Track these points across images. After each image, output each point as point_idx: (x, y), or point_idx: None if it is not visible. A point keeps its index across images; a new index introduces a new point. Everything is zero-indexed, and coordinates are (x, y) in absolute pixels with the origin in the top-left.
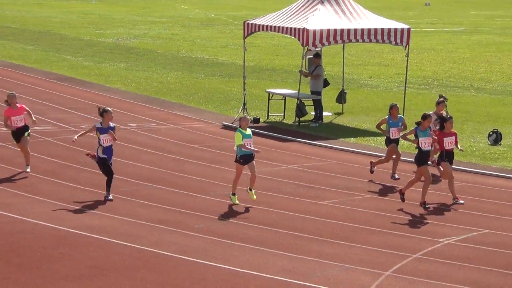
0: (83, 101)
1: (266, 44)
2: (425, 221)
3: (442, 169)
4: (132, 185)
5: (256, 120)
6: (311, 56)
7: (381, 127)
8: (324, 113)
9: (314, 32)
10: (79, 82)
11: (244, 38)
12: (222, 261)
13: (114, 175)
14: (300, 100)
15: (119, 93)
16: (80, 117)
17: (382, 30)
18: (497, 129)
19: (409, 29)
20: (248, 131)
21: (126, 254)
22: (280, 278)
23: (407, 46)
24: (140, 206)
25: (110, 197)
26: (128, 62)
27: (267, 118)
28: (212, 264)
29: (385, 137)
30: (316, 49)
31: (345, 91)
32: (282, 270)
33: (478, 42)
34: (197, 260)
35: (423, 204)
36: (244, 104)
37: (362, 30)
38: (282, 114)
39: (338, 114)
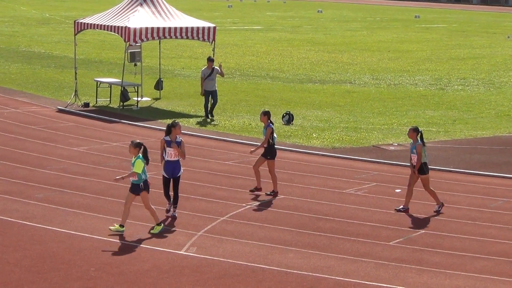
0: None
1: (94, 40)
2: (230, 189)
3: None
4: None
5: (86, 105)
6: (134, 50)
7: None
8: (144, 99)
9: (135, 30)
10: None
11: (75, 35)
12: (59, 225)
13: None
14: (124, 87)
15: None
16: None
17: (192, 28)
18: (289, 111)
19: (214, 28)
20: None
21: None
22: (112, 240)
23: (213, 41)
24: None
25: (175, 213)
26: None
27: (96, 103)
28: (50, 228)
29: None
30: (136, 44)
31: (162, 79)
32: (112, 232)
33: (272, 38)
34: (37, 225)
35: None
36: (75, 91)
37: (175, 28)
38: (109, 99)
39: (156, 99)
